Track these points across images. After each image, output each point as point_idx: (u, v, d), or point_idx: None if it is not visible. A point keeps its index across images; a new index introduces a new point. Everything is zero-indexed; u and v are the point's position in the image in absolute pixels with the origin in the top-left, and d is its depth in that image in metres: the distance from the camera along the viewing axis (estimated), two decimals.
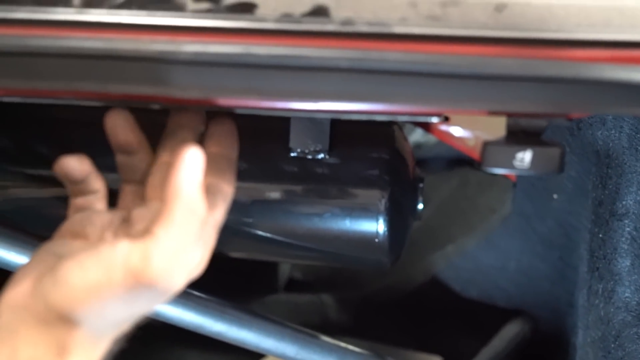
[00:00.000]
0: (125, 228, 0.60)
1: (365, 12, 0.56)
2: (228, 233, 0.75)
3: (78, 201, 0.64)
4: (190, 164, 0.55)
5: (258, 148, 0.89)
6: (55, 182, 0.66)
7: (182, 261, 0.54)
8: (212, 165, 0.62)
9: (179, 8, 0.57)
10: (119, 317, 0.55)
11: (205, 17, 0.56)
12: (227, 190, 0.64)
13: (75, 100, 0.68)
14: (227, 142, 0.64)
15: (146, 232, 0.53)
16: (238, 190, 0.71)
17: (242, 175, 0.75)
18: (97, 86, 0.54)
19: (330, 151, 0.89)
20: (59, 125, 0.90)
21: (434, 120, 0.82)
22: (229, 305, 0.90)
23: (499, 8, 0.55)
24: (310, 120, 0.89)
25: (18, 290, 0.56)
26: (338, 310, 1.26)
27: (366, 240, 0.88)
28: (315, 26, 0.55)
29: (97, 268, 0.53)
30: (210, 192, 0.61)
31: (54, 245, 0.60)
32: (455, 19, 0.55)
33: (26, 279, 0.56)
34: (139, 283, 0.52)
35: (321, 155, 0.89)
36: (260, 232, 0.92)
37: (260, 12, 0.56)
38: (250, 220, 0.92)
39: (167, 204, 0.54)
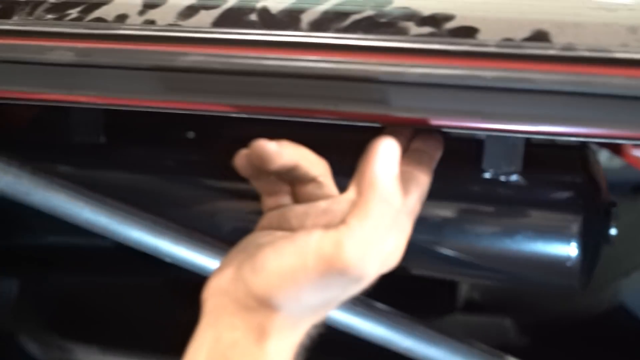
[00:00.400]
0: (324, 218, 0.62)
1: (586, 38, 0.57)
2: (415, 250, 0.77)
3: (269, 201, 0.66)
4: (385, 154, 0.56)
5: (450, 167, 0.91)
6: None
7: (375, 250, 0.55)
8: (413, 157, 0.64)
9: (402, 32, 0.59)
10: (314, 302, 0.57)
11: (428, 41, 0.58)
12: (424, 180, 0.64)
13: (286, 117, 0.72)
14: (432, 142, 0.65)
15: (341, 222, 0.56)
16: (428, 208, 0.73)
17: (433, 194, 0.77)
18: (328, 105, 0.58)
19: (522, 173, 0.90)
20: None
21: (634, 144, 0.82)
22: (418, 322, 0.92)
23: None
24: (505, 141, 0.90)
25: (221, 277, 0.59)
26: (517, 334, 1.26)
27: (557, 264, 0.88)
28: (537, 50, 0.56)
29: (292, 254, 0.55)
30: (405, 179, 0.62)
31: (256, 236, 0.62)
32: None
33: (228, 266, 0.59)
34: (331, 269, 0.54)
35: (514, 177, 0.90)
36: (448, 251, 0.94)
37: (481, 36, 0.58)
38: (440, 238, 0.94)
39: (362, 195, 0.56)
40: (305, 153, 0.61)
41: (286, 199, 0.64)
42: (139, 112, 1.15)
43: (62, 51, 0.62)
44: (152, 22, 0.64)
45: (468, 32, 0.59)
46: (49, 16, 0.66)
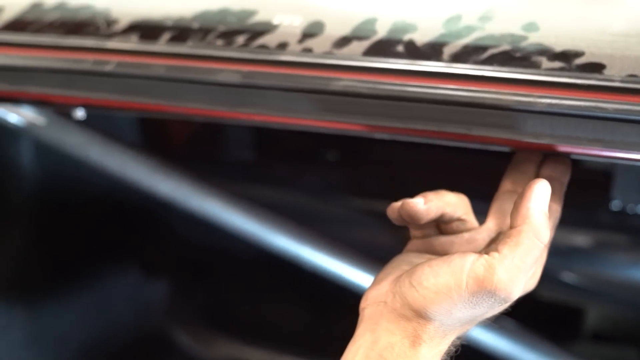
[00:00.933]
0: (468, 247, 0.69)
1: None
2: (547, 275, 0.82)
3: (417, 232, 0.73)
4: (540, 194, 0.63)
5: (580, 197, 0.96)
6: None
7: (522, 277, 0.61)
8: None
9: (535, 66, 0.65)
10: (463, 317, 0.64)
11: (558, 75, 0.64)
12: (556, 208, 0.71)
13: (423, 138, 0.78)
14: (561, 169, 0.71)
15: (494, 250, 0.62)
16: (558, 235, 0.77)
17: (563, 221, 0.81)
18: (461, 129, 0.64)
19: None
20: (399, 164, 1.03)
21: None
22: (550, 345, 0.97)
23: None
24: (637, 173, 0.94)
25: (379, 289, 0.67)
26: None
27: None
28: None
29: (448, 274, 0.62)
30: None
31: (407, 256, 0.71)
32: None
33: (384, 280, 0.67)
34: (482, 290, 0.61)
35: None
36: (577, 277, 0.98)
37: (607, 71, 0.63)
38: (569, 265, 0.99)
39: (516, 228, 0.62)
40: (448, 199, 0.69)
41: (432, 230, 0.72)
42: (286, 134, 1.25)
43: (229, 73, 0.71)
44: (309, 50, 0.72)
45: (595, 67, 0.64)
46: (219, 42, 0.75)
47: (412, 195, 0.68)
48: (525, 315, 1.01)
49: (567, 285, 1.03)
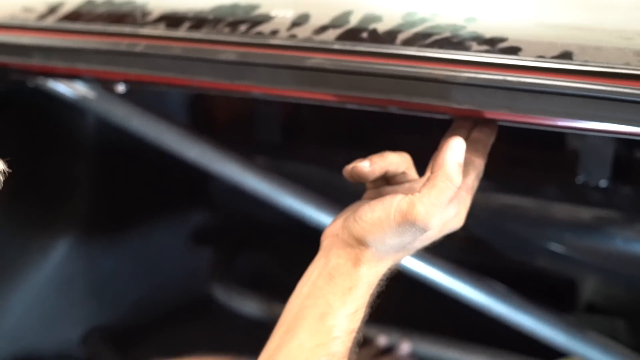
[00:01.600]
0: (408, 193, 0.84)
1: (600, 59, 0.76)
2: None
3: (370, 185, 0.89)
4: (454, 148, 0.79)
5: (551, 174, 1.11)
6: None
7: (437, 211, 0.77)
8: (471, 145, 0.85)
9: (466, 48, 0.81)
10: (394, 244, 0.80)
11: (481, 56, 0.79)
12: (479, 163, 0.86)
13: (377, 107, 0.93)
14: (486, 132, 0.86)
15: (417, 191, 0.78)
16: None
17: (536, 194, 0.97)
18: (404, 98, 0.80)
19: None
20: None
21: None
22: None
23: None
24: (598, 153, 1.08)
25: (334, 225, 0.84)
26: (629, 336, 1.39)
27: None
28: (561, 65, 0.76)
29: (381, 210, 0.78)
30: (465, 164, 0.83)
31: (362, 201, 0.87)
32: None
33: (340, 218, 0.84)
34: (405, 221, 0.77)
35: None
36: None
37: (522, 53, 0.79)
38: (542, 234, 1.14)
39: (433, 173, 0.78)
40: (391, 159, 0.85)
41: (382, 182, 0.88)
42: (311, 119, 1.42)
43: (229, 53, 0.89)
44: (294, 36, 0.89)
45: (514, 50, 0.79)
46: (226, 30, 0.93)
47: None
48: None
49: (543, 250, 1.17)
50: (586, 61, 0.76)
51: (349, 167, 0.84)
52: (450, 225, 0.83)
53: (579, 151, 1.13)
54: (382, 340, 1.34)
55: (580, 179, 1.13)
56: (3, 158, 1.41)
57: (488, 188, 1.22)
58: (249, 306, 1.60)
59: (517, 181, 1.20)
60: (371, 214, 0.79)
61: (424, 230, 0.78)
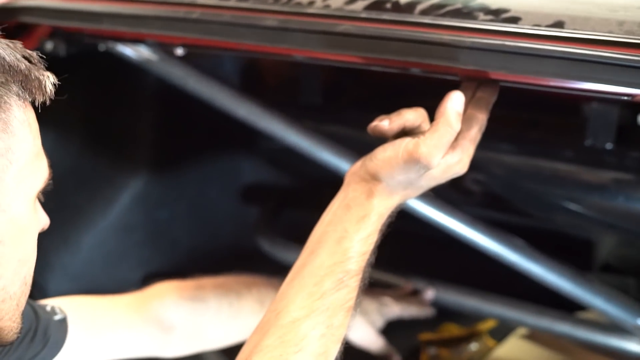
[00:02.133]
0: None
1: (587, 28, 0.88)
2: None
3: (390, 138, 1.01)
4: (454, 99, 0.92)
5: (562, 137, 1.23)
6: None
7: (437, 152, 0.90)
8: (475, 102, 0.98)
9: (474, 18, 0.93)
10: (402, 180, 0.93)
11: (485, 24, 0.92)
12: (482, 117, 0.98)
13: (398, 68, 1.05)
14: (489, 91, 0.98)
15: (422, 134, 0.92)
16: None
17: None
18: (418, 59, 0.93)
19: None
20: None
21: None
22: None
23: None
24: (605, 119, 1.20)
25: (356, 166, 0.98)
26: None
27: None
28: (553, 33, 0.88)
29: (391, 150, 0.93)
30: (469, 118, 0.96)
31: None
32: None
33: (360, 160, 0.98)
34: (410, 158, 0.91)
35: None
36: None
37: (521, 23, 0.91)
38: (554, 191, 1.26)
39: (435, 120, 0.92)
40: (407, 115, 0.97)
41: (401, 134, 1.00)
42: (349, 84, 1.55)
43: (271, 20, 1.03)
44: (328, 6, 1.02)
45: (514, 20, 0.92)
46: (270, 0, 1.07)
47: None
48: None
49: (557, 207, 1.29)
50: (575, 29, 0.88)
51: (372, 125, 0.97)
52: (454, 170, 0.96)
53: (587, 117, 1.25)
54: (409, 285, 1.47)
55: (588, 142, 1.24)
56: (74, 115, 1.58)
57: (506, 149, 1.35)
58: (292, 257, 1.73)
59: (531, 143, 1.32)
60: (383, 154, 0.93)
61: (426, 167, 0.91)
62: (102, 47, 1.36)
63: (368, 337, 1.39)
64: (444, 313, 1.51)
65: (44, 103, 0.81)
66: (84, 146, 1.62)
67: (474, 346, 1.49)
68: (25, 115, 0.79)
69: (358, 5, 1.01)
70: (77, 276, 1.64)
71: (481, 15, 0.94)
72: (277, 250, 1.73)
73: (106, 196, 1.65)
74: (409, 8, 0.98)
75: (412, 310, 1.45)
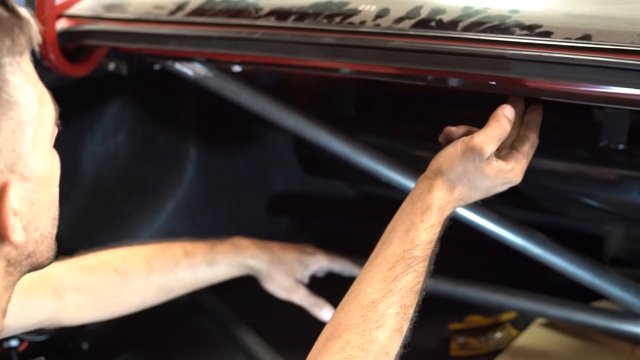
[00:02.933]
0: None
1: (611, 39, 1.01)
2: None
3: None
4: (505, 106, 1.07)
5: (579, 138, 1.36)
6: None
7: (490, 142, 1.04)
8: (525, 124, 1.13)
9: (511, 33, 1.07)
10: (460, 171, 1.06)
11: (522, 38, 1.05)
12: (533, 136, 1.13)
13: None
14: (536, 113, 1.14)
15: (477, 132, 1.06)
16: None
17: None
18: (462, 70, 1.06)
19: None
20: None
21: None
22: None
23: None
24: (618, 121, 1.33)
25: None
26: None
27: None
28: (582, 44, 1.01)
29: (451, 145, 1.07)
30: (521, 137, 1.12)
31: None
32: None
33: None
34: (467, 148, 1.04)
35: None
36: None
37: (553, 36, 1.04)
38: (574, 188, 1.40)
39: (490, 121, 1.06)
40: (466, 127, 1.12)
41: None
42: (379, 96, 1.69)
43: (329, 38, 1.16)
44: (378, 25, 1.15)
45: (547, 34, 1.05)
46: (324, 21, 1.19)
47: None
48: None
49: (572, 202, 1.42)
50: (601, 41, 1.02)
51: (442, 134, 1.14)
52: (507, 176, 1.09)
53: (602, 121, 1.38)
54: None
55: (603, 142, 1.38)
56: (123, 129, 1.70)
57: None
58: None
59: (553, 144, 1.46)
60: (444, 151, 1.08)
61: (480, 155, 1.04)
62: (157, 65, 1.49)
63: (285, 285, 1.46)
64: (470, 306, 1.63)
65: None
66: (132, 160, 1.75)
67: (498, 334, 1.61)
68: (22, 74, 0.80)
69: (405, 24, 1.14)
70: None
71: (517, 31, 1.07)
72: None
73: (153, 205, 1.77)
74: (453, 25, 1.11)
75: (344, 264, 1.50)
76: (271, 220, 1.96)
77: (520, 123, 1.15)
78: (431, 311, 1.66)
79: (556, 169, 1.45)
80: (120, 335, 1.63)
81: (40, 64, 1.46)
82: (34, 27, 0.81)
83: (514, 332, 1.63)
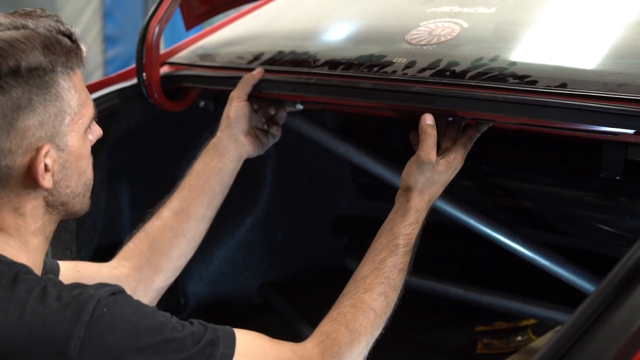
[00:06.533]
0: None
1: (582, 87, 1.25)
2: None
3: None
4: (425, 117, 1.32)
5: (581, 169, 1.60)
6: None
7: (430, 151, 1.30)
8: (473, 126, 1.38)
9: (506, 81, 1.32)
10: (424, 179, 1.31)
11: (515, 85, 1.30)
12: (471, 132, 1.37)
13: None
14: (471, 132, 1.38)
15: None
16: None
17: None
18: (448, 107, 1.32)
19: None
20: None
21: None
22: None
23: None
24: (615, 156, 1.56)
25: None
26: None
27: None
28: (559, 91, 1.26)
29: (406, 167, 1.34)
30: (465, 133, 1.37)
31: None
32: None
33: None
34: (418, 162, 1.31)
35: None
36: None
37: (539, 84, 1.29)
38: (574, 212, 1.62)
39: (421, 135, 1.32)
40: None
41: None
42: None
43: (366, 83, 1.44)
44: (405, 74, 1.42)
45: (533, 82, 1.30)
46: (364, 69, 1.47)
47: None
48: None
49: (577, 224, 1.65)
50: (574, 89, 1.26)
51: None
52: (454, 165, 1.34)
53: (602, 155, 1.61)
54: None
55: (602, 174, 1.60)
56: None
57: (541, 181, 1.72)
58: None
59: (559, 175, 1.69)
60: (405, 171, 1.34)
61: (430, 162, 1.30)
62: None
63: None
64: (495, 312, 1.86)
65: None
66: None
67: (519, 338, 1.84)
68: (71, 82, 1.07)
69: (426, 73, 1.41)
70: (210, 283, 2.06)
71: (511, 80, 1.33)
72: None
73: (234, 221, 2.07)
74: (462, 75, 1.37)
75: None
76: (334, 238, 2.23)
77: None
78: (462, 316, 1.92)
79: (564, 195, 1.68)
80: None
81: (147, 100, 1.79)
82: (84, 53, 1.10)
83: (533, 337, 1.85)
